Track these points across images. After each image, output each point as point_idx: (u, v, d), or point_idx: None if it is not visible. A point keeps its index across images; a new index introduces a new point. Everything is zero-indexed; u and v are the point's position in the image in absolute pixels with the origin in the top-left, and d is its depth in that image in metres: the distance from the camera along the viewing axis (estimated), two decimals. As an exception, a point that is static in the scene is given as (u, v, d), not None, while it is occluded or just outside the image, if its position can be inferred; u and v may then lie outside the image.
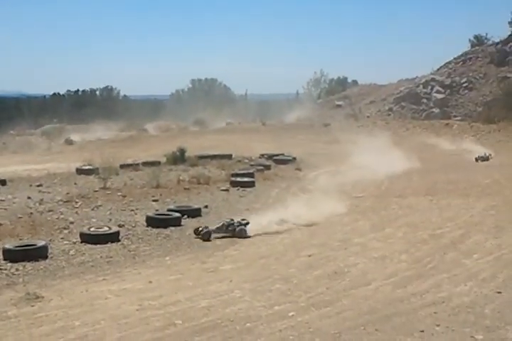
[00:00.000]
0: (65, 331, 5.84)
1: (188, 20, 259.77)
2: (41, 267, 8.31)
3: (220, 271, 8.02)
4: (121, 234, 10.07)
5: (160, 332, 5.79)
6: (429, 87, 36.34)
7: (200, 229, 10.09)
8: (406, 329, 5.76)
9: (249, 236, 10.05)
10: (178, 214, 11.41)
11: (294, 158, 21.34)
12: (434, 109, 35.06)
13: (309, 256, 8.73)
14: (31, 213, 12.02)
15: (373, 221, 11.28)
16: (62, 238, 10.01)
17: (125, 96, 57.27)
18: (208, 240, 9.85)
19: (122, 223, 11.06)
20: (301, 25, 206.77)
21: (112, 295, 7.00)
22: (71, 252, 9.13)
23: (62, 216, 11.78)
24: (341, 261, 8.34)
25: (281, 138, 27.80)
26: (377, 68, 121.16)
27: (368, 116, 36.80)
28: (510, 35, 36.66)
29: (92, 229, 10.10)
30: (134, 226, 10.91)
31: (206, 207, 12.78)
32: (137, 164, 19.29)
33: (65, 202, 13.27)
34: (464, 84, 35.60)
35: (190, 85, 58.71)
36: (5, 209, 12.53)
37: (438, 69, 38.82)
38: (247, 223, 10.26)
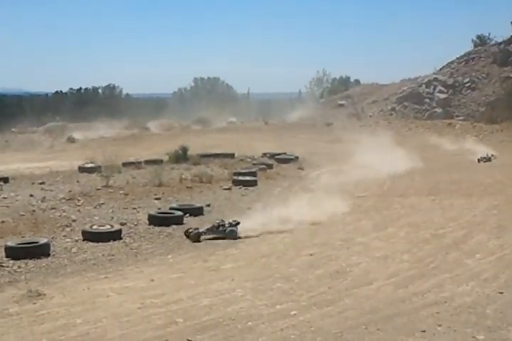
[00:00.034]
0: (66, 329, 5.84)
1: (190, 19, 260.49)
2: (43, 265, 8.32)
3: (221, 270, 8.02)
4: (123, 232, 10.07)
5: (161, 330, 5.79)
6: (432, 87, 36.30)
7: (190, 230, 9.95)
8: (407, 329, 5.76)
9: (239, 237, 9.89)
10: (180, 213, 11.42)
11: (297, 157, 21.34)
12: (436, 109, 35.03)
13: (311, 255, 8.72)
14: (33, 211, 12.04)
15: (376, 220, 11.27)
16: (64, 236, 10.02)
17: (127, 94, 57.29)
18: (198, 241, 9.72)
19: (124, 221, 11.07)
20: (303, 25, 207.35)
21: (114, 293, 7.00)
22: (73, 250, 9.14)
23: (64, 214, 11.80)
24: (343, 261, 8.34)
25: (284, 138, 27.81)
26: (379, 68, 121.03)
27: (370, 116, 36.78)
28: (513, 35, 36.61)
29: (94, 227, 10.11)
30: (136, 225, 10.92)
31: (208, 205, 12.78)
32: (139, 162, 19.32)
33: (67, 200, 13.30)
34: (467, 84, 35.56)
35: (193, 84, 58.75)
36: (7, 206, 12.56)
37: (441, 69, 38.76)
38: (238, 224, 10.09)
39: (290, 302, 6.57)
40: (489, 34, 39.44)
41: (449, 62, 38.78)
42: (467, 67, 37.02)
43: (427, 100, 35.81)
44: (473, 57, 37.48)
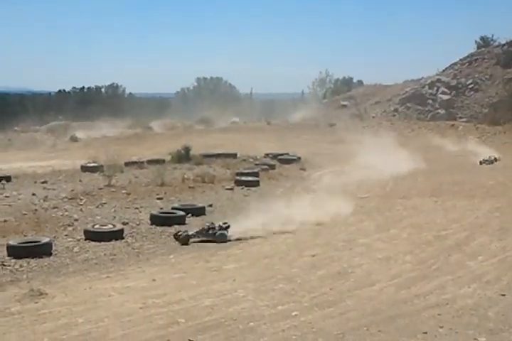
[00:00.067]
0: (68, 328, 5.85)
1: (192, 19, 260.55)
2: (45, 264, 8.33)
3: (223, 270, 8.02)
4: (125, 232, 10.08)
5: (163, 330, 5.79)
6: (435, 88, 36.26)
7: (180, 232, 9.81)
8: (409, 331, 5.75)
9: (229, 240, 9.78)
10: (182, 213, 11.43)
11: (299, 158, 21.32)
12: (439, 110, 35.00)
13: (313, 256, 8.71)
14: (36, 210, 12.05)
15: (378, 221, 11.27)
16: (66, 235, 10.03)
17: (130, 94, 57.28)
18: (186, 244, 9.61)
19: (126, 221, 11.08)
20: (306, 25, 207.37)
21: (116, 292, 7.00)
22: (75, 249, 9.14)
23: (66, 213, 11.81)
24: (345, 262, 8.33)
25: (286, 138, 27.79)
26: (382, 68, 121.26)
27: (373, 117, 36.74)
28: (516, 37, 36.56)
29: (96, 227, 10.12)
30: (138, 224, 10.92)
31: (211, 205, 12.78)
32: (142, 162, 19.33)
33: (69, 199, 13.31)
34: (470, 86, 35.52)
35: (196, 84, 58.71)
36: (10, 205, 12.57)
37: (444, 70, 38.72)
38: (228, 227, 9.98)
39: (292, 303, 6.57)
40: (492, 35, 39.43)
41: (452, 64, 38.75)
42: (470, 68, 36.98)
43: (430, 101, 35.76)
44: (477, 59, 37.42)
